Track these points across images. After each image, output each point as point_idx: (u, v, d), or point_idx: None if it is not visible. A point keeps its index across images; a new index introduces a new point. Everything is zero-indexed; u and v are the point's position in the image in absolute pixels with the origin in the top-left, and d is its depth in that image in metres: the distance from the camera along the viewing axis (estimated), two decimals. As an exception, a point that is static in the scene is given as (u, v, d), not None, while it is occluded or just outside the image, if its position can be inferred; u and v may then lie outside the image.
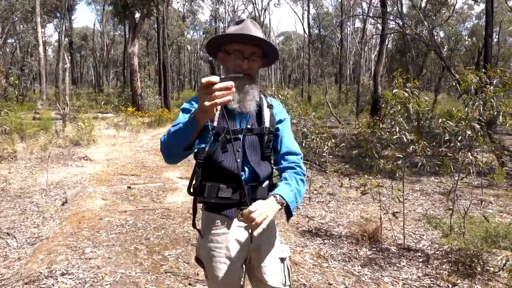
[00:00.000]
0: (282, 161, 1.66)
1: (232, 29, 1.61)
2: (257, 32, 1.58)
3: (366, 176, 3.85)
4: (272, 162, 1.72)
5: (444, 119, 3.80)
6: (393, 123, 3.83)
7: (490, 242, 3.35)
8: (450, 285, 3.13)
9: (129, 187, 6.06)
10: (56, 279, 3.08)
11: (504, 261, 3.04)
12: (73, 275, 3.16)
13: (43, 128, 11.15)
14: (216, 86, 1.22)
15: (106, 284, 3.03)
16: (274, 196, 1.48)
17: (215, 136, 1.53)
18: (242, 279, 1.65)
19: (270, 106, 1.67)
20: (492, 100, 3.15)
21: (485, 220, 3.70)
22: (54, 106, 18.79)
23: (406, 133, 3.81)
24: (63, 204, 5.24)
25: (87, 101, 24.45)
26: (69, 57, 30.64)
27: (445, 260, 3.56)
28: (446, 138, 3.71)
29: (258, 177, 1.60)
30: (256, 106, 1.62)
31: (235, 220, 1.60)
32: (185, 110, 1.59)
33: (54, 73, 43.18)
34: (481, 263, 3.38)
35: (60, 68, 26.40)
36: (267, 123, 1.63)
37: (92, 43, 44.56)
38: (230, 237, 1.60)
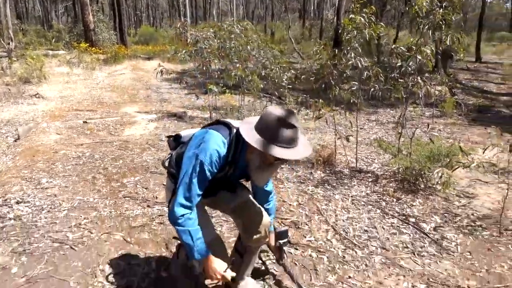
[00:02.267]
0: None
1: (284, 139, 1.54)
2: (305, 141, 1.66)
3: (321, 102, 3.92)
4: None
5: (397, 46, 3.88)
6: (348, 48, 3.85)
7: (433, 160, 3.61)
8: (394, 200, 3.40)
9: (85, 122, 5.89)
10: (11, 207, 3.06)
11: (440, 175, 3.30)
12: (29, 203, 3.14)
13: (-14, 65, 10.36)
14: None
15: (64, 210, 3.04)
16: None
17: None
18: None
19: None
20: (440, 23, 3.21)
21: (431, 142, 3.95)
22: (-2, 43, 17.29)
23: (361, 58, 3.86)
24: (15, 141, 5.05)
25: (36, 37, 22.62)
26: (10, -12, 27.67)
27: (392, 179, 3.82)
28: (398, 64, 3.81)
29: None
30: None
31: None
32: (206, 172, 1.63)
33: (-5, 7, 39.23)
34: (424, 181, 3.66)
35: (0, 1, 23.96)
36: None
37: (35, -27, 40.30)
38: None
